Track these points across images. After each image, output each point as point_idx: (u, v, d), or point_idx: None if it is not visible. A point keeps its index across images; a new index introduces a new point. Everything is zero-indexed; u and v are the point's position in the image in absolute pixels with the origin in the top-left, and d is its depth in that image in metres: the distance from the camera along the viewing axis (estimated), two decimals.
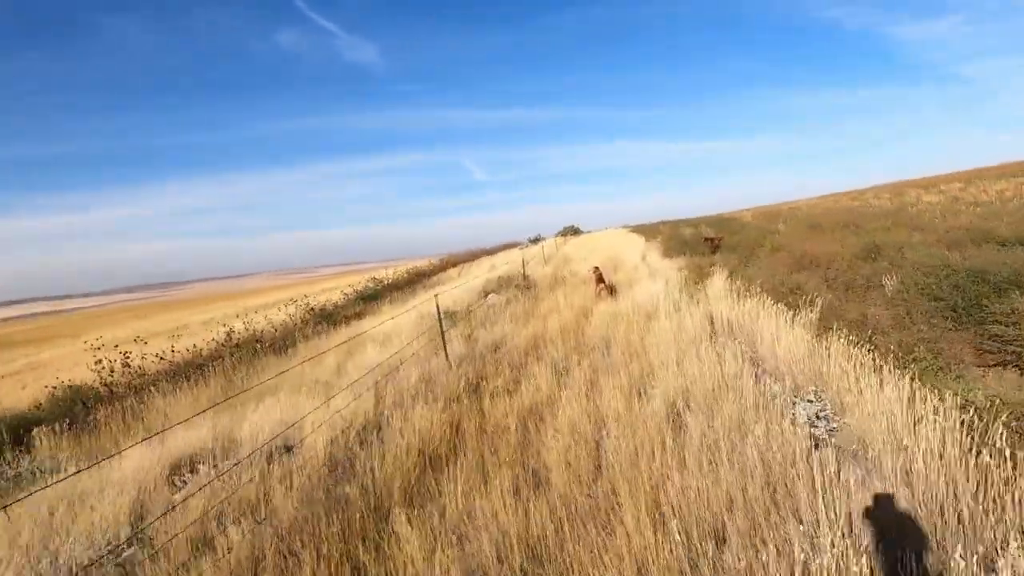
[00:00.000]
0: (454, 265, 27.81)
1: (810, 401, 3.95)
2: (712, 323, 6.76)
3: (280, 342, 11.25)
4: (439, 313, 7.22)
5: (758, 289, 6.80)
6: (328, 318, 13.75)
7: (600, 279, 11.02)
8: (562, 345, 7.47)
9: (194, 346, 10.32)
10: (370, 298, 16.18)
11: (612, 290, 11.36)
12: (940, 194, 20.86)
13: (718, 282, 8.27)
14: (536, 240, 53.46)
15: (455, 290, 14.31)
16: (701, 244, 15.08)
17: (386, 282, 19.40)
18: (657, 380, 5.05)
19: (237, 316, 15.46)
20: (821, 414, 3.75)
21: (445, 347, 7.09)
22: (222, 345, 10.60)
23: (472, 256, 35.09)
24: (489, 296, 11.81)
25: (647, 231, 28.68)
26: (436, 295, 7.38)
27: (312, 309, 13.87)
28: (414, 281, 20.82)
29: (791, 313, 5.46)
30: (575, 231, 55.62)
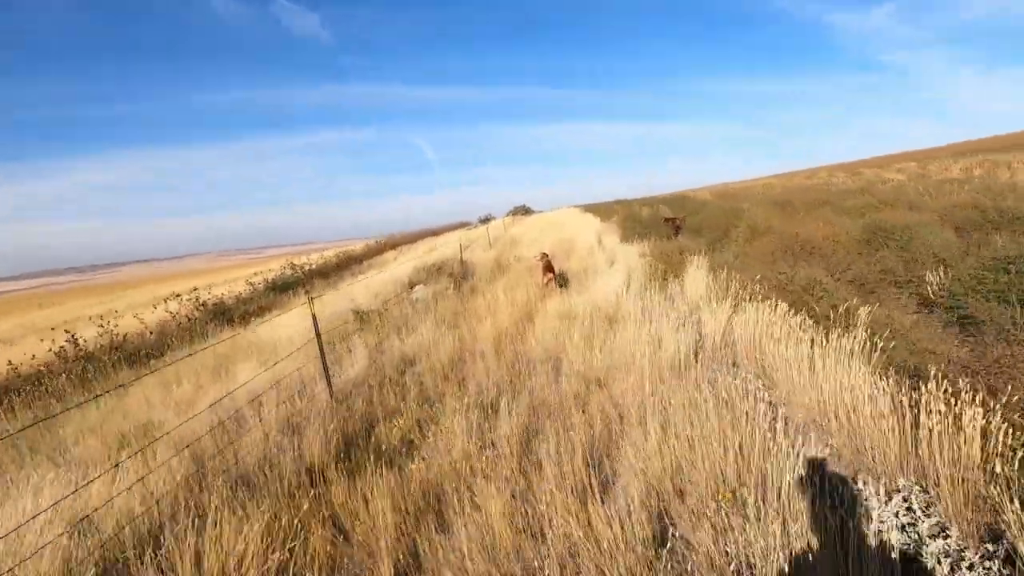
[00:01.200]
0: (393, 247, 25.42)
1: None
2: (700, 336, 4.98)
3: (148, 350, 8.80)
4: (316, 327, 5.12)
5: (758, 287, 5.04)
6: (223, 315, 11.32)
7: (548, 267, 9.13)
8: (495, 363, 5.55)
9: (9, 363, 7.78)
10: (284, 288, 13.81)
11: (563, 281, 9.52)
12: (899, 172, 20.11)
13: (697, 276, 6.50)
14: (486, 220, 51.27)
15: (381, 276, 12.13)
16: (661, 225, 13.43)
17: (309, 268, 16.92)
18: (627, 448, 3.19)
19: (113, 314, 12.77)
20: None
21: (328, 375, 5.02)
22: (58, 356, 8.11)
23: (415, 237, 32.66)
24: (416, 288, 9.74)
25: (601, 211, 27.06)
26: (311, 298, 5.26)
27: (203, 304, 11.38)
28: (343, 266, 18.44)
29: (822, 329, 3.70)
30: (526, 211, 53.78)
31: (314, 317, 4.86)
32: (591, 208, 33.98)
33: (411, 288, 9.90)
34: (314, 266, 17.45)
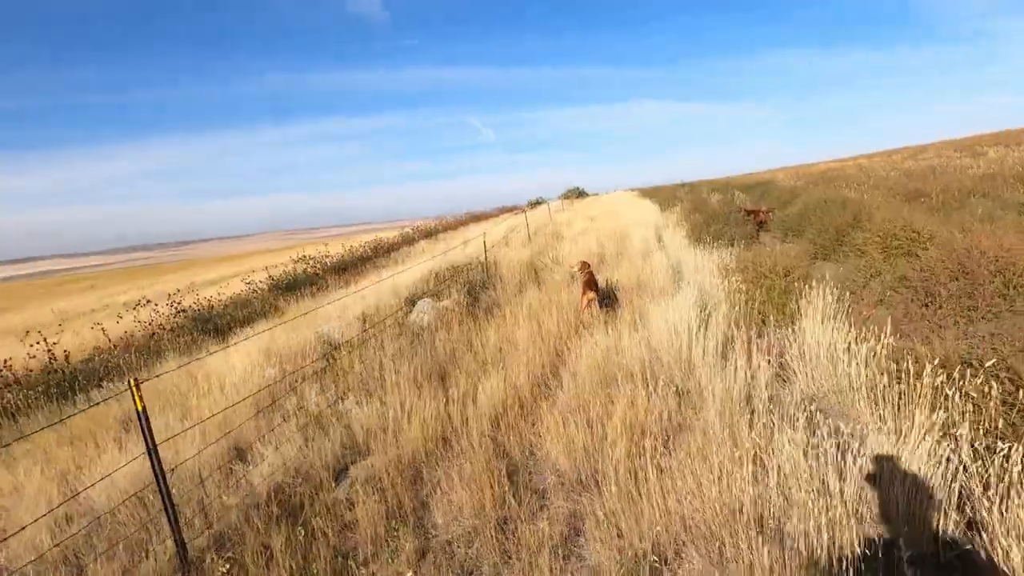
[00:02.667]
0: (429, 235, 23.48)
1: None
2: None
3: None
4: (156, 465, 3.01)
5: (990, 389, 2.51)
6: (207, 323, 9.62)
7: (589, 283, 6.73)
8: (486, 494, 3.27)
9: None
10: (289, 288, 12.07)
11: (609, 298, 7.11)
12: None
13: (827, 334, 3.96)
14: (538, 203, 48.67)
15: (395, 279, 10.08)
16: (739, 219, 10.61)
17: (325, 262, 15.16)
18: None
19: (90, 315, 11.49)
20: None
21: (180, 541, 2.89)
22: None
23: (457, 223, 30.64)
24: (420, 304, 7.59)
25: (661, 196, 23.98)
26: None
27: (183, 311, 9.71)
28: (368, 258, 16.63)
29: None
30: (580, 193, 50.74)
31: (149, 443, 2.74)
32: (649, 192, 30.75)
33: (412, 304, 7.74)
34: (337, 259, 15.68)
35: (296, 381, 5.26)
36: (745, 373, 3.84)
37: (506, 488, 3.17)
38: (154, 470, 2.70)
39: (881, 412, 2.95)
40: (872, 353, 3.43)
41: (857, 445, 2.54)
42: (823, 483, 2.45)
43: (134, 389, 2.63)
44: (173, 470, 3.70)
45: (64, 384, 6.82)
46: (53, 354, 7.39)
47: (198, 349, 8.35)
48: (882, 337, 3.41)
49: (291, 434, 4.17)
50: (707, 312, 5.26)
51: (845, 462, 2.46)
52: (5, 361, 7.13)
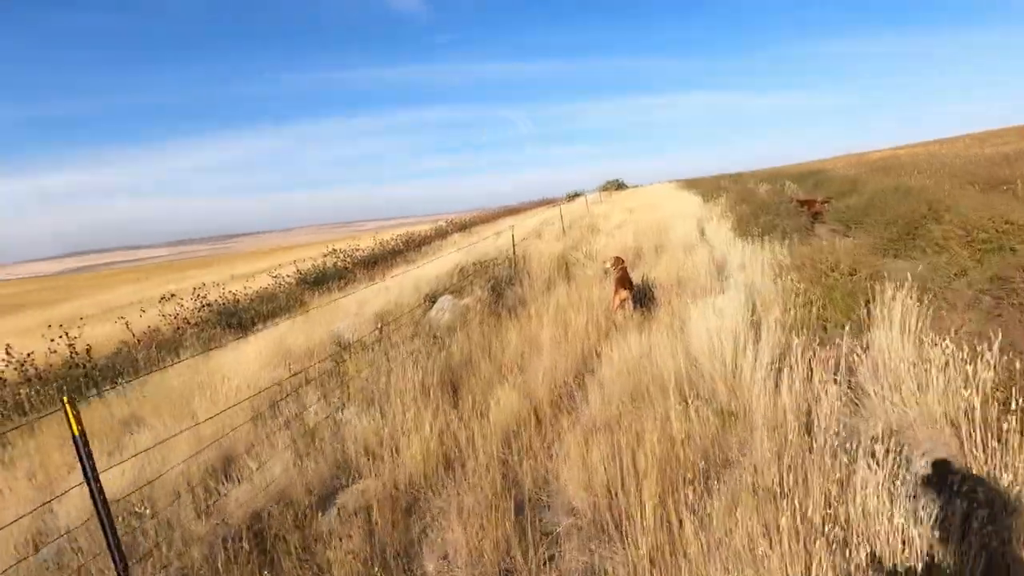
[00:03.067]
0: (462, 228, 23.09)
1: None
2: None
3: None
4: (99, 506, 2.62)
5: None
6: (231, 317, 9.47)
7: (623, 281, 6.11)
8: (487, 536, 2.76)
9: None
10: (317, 283, 11.87)
11: (645, 297, 6.48)
12: None
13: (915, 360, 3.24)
14: (575, 196, 47.77)
15: (415, 273, 9.67)
16: (791, 211, 9.69)
17: (353, 257, 14.96)
18: None
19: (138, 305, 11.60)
20: None
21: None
22: None
23: (492, 216, 30.18)
24: (441, 300, 7.13)
25: (704, 188, 22.84)
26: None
27: (208, 305, 9.59)
28: (399, 252, 16.36)
29: None
30: (619, 185, 49.54)
31: (87, 471, 2.35)
32: (690, 184, 29.49)
33: (432, 301, 7.29)
34: (365, 253, 15.47)
35: (300, 384, 4.87)
36: (804, 391, 3.20)
37: (511, 530, 2.64)
38: (93, 500, 2.30)
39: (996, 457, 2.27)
40: (972, 373, 2.72)
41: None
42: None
43: (69, 411, 2.23)
44: (150, 482, 3.34)
45: (79, 380, 6.69)
46: (75, 349, 7.31)
47: (218, 344, 8.17)
48: (985, 352, 2.70)
49: (284, 446, 3.76)
50: (756, 316, 4.58)
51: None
52: (28, 355, 7.09)
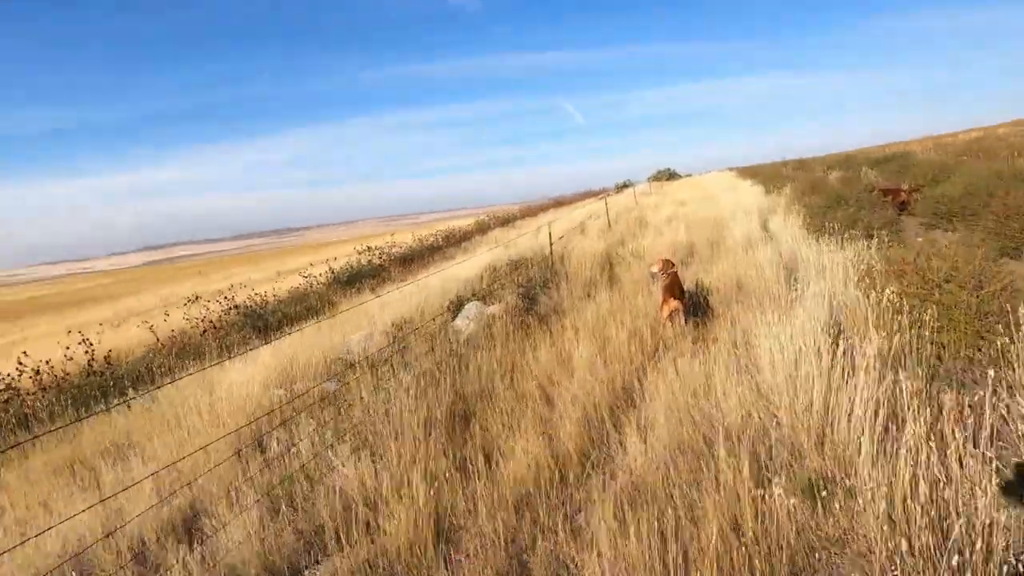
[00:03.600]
0: (505, 223, 22.33)
1: None
2: None
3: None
4: None
5: None
6: (258, 320, 9.15)
7: (672, 289, 5.21)
8: None
9: None
10: (350, 282, 11.44)
11: (700, 306, 5.57)
12: None
13: None
14: (625, 186, 46.14)
15: (446, 273, 9.02)
16: (872, 202, 8.36)
17: (397, 251, 14.51)
18: None
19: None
20: None
21: None
22: None
23: (538, 209, 29.28)
24: (467, 308, 6.42)
25: (765, 176, 21.10)
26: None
27: (236, 307, 9.29)
28: (438, 248, 15.81)
29: None
30: (670, 175, 47.49)
31: None
32: (750, 172, 27.51)
33: (456, 309, 6.58)
34: (405, 248, 15.01)
35: (296, 412, 4.27)
36: (928, 458, 2.26)
37: None
38: None
39: None
40: None
41: None
42: None
43: None
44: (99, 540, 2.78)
45: (94, 391, 6.42)
46: (93, 355, 7.08)
47: (236, 352, 7.80)
48: None
49: (255, 499, 3.13)
50: (847, 341, 3.60)
51: None
52: (47, 361, 6.90)
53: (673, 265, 5.58)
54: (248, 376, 5.51)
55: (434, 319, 6.36)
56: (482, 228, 20.36)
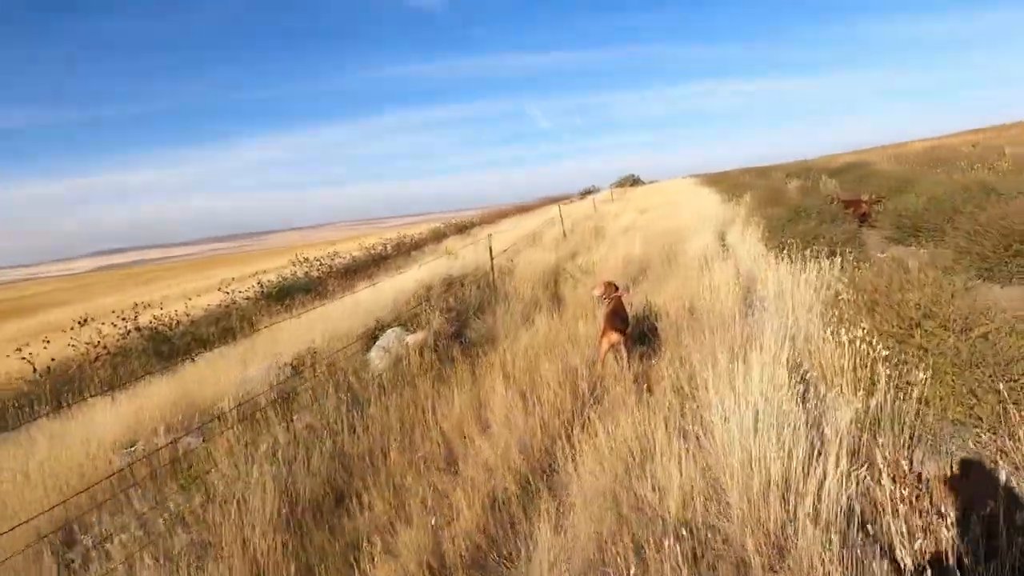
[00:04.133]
0: (461, 230, 21.43)
1: None
2: None
3: None
4: None
5: None
6: (164, 344, 8.06)
7: (614, 317, 4.47)
8: None
9: None
10: (281, 297, 10.40)
11: (647, 336, 4.88)
12: None
13: None
14: (589, 192, 45.90)
15: (387, 283, 8.13)
16: (831, 214, 7.86)
17: (340, 262, 13.50)
18: None
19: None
20: None
21: None
22: None
23: (496, 216, 28.50)
24: (386, 335, 5.56)
25: (724, 183, 20.84)
26: None
27: (139, 329, 8.16)
28: (384, 258, 14.82)
29: None
30: (634, 181, 47.51)
31: None
32: (711, 180, 27.35)
33: (373, 339, 5.71)
34: (346, 260, 13.99)
35: (126, 488, 3.34)
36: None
37: None
38: None
39: None
40: None
41: None
42: None
43: None
44: None
45: None
46: None
47: (132, 381, 6.72)
48: None
49: None
50: (815, 397, 2.92)
51: None
52: None
53: (617, 288, 4.86)
54: (112, 418, 4.53)
55: (346, 348, 5.48)
56: (437, 236, 19.40)
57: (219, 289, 10.16)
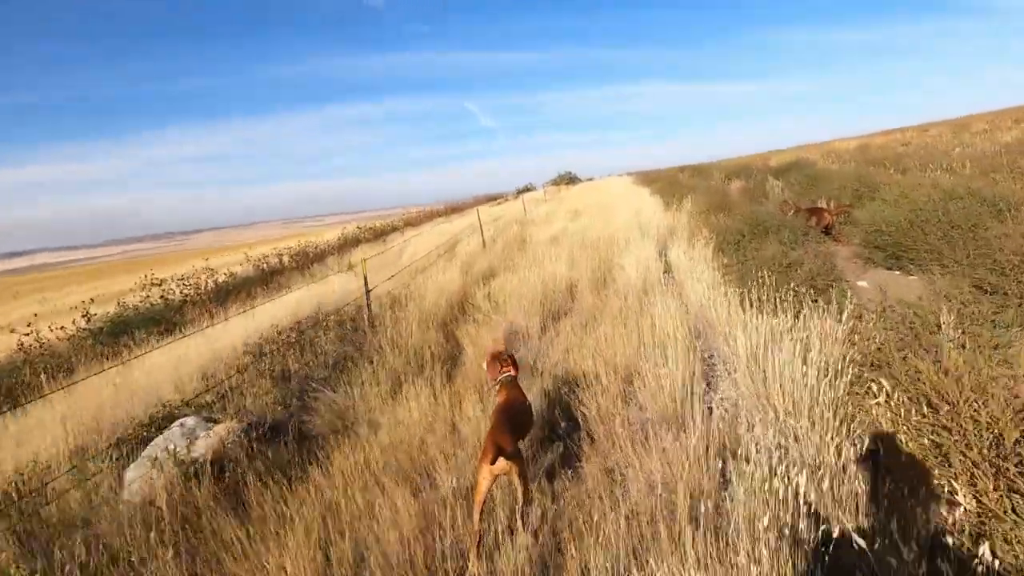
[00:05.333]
0: (377, 236, 19.10)
1: None
2: None
3: None
4: None
5: None
6: None
7: (505, 422, 2.68)
8: None
9: None
10: (112, 335, 7.98)
11: (568, 429, 3.16)
12: None
13: None
14: (525, 191, 44.45)
15: (231, 326, 6.05)
16: (796, 227, 6.49)
17: (219, 279, 11.12)
18: None
19: None
20: None
21: None
22: None
23: (425, 217, 26.34)
24: (170, 430, 3.61)
25: (661, 183, 19.68)
26: None
27: None
28: (276, 272, 12.48)
29: None
30: (571, 179, 46.52)
31: None
32: (648, 178, 26.33)
33: (168, 424, 3.70)
34: (228, 278, 11.60)
35: None
36: None
37: None
38: None
39: None
40: None
41: None
42: None
43: None
44: None
45: None
46: None
47: None
48: None
49: None
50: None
51: None
52: None
53: (511, 362, 3.11)
54: None
55: (111, 448, 3.45)
56: (349, 243, 16.96)
57: (14, 331, 7.60)
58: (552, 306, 5.81)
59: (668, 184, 17.00)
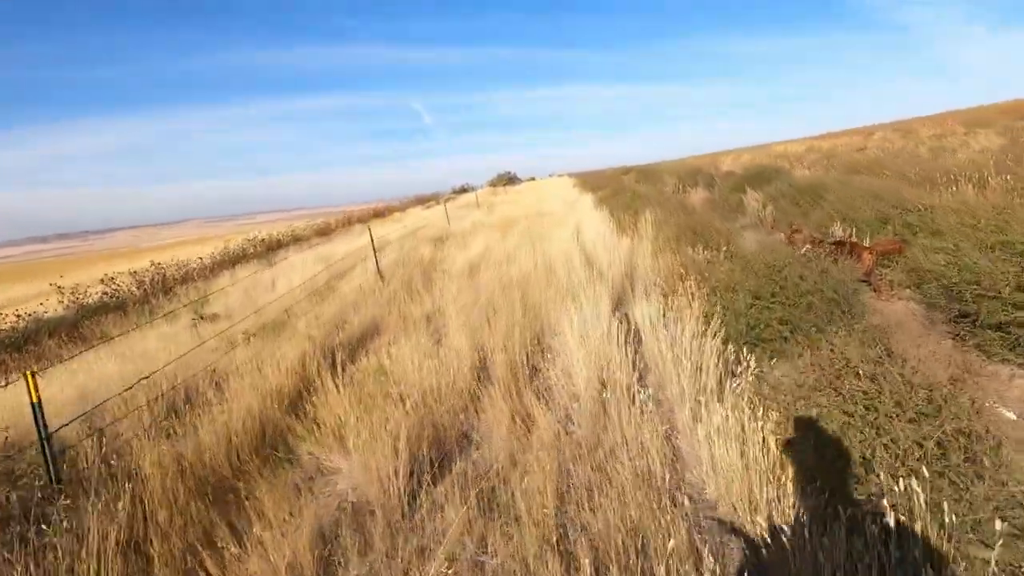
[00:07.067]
0: (297, 240, 15.82)
1: None
2: None
3: None
4: None
5: None
6: None
7: None
8: None
9: None
10: (15, 345, 4.97)
11: None
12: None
13: None
14: (463, 190, 41.63)
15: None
16: (810, 255, 4.17)
17: (98, 293, 7.81)
18: None
19: None
20: None
21: None
22: None
23: (344, 221, 23.03)
24: None
25: (607, 190, 17.21)
26: None
27: None
28: (183, 280, 9.18)
29: None
30: (510, 180, 44.11)
31: None
32: (591, 181, 23.79)
33: None
34: (127, 286, 8.28)
35: None
36: None
37: None
38: None
39: None
40: None
41: None
42: None
43: None
44: None
45: None
46: None
47: None
48: None
49: None
50: None
51: None
52: None
53: None
54: None
55: None
56: (225, 262, 12.93)
57: None
58: (436, 434, 3.18)
59: (614, 192, 14.62)
